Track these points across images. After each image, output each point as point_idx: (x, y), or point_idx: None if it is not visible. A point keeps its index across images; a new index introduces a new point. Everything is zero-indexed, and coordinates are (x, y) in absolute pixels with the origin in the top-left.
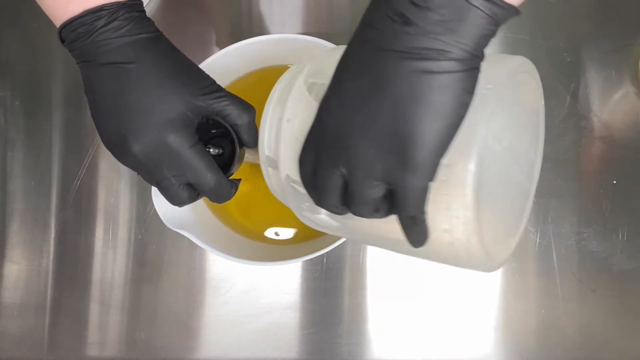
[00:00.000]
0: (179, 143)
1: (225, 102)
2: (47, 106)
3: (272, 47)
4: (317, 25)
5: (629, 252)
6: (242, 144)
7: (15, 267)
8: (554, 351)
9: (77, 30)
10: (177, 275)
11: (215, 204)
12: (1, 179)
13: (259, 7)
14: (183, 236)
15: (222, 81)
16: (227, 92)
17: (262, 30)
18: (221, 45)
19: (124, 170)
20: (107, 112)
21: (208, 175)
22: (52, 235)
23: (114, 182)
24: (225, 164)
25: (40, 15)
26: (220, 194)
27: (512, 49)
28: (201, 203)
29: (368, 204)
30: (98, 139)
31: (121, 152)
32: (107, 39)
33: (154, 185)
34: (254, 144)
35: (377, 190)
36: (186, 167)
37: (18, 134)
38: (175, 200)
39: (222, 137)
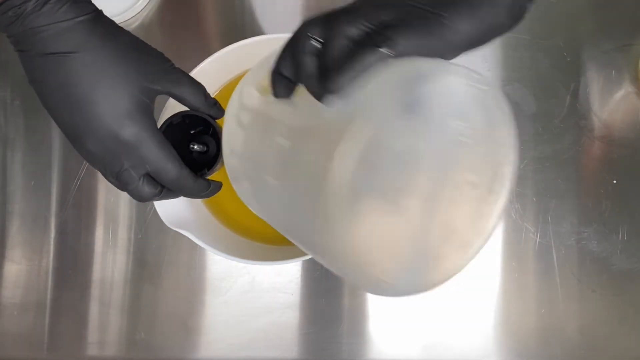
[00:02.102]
0: (137, 133)
1: (179, 83)
2: None
3: (271, 46)
4: None
5: (628, 252)
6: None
7: (15, 266)
8: (554, 351)
9: (7, 14)
10: (177, 275)
11: (215, 203)
12: (1, 179)
13: (259, 6)
14: (183, 236)
15: (221, 80)
16: (178, 68)
17: (262, 30)
18: (220, 46)
19: None
20: (57, 106)
21: (168, 165)
22: (52, 235)
23: None
24: (210, 161)
25: None
26: (185, 186)
27: (512, 49)
28: (201, 202)
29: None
30: None
31: (77, 147)
32: (41, 25)
33: (111, 180)
34: (221, 114)
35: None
36: (145, 157)
37: (18, 134)
38: (136, 194)
39: (203, 134)
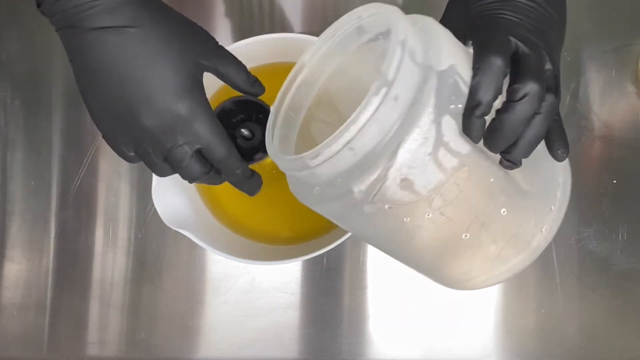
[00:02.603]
0: (192, 108)
1: (224, 60)
2: (47, 106)
3: (270, 46)
4: (320, 24)
5: (628, 252)
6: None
7: (15, 266)
8: (554, 351)
9: None
10: (177, 275)
11: (215, 203)
12: (1, 179)
13: (261, 6)
14: (183, 236)
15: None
16: (222, 46)
17: (264, 29)
18: (226, 43)
19: (124, 170)
20: (106, 84)
21: (220, 141)
22: (52, 235)
23: (114, 181)
24: (254, 148)
25: (41, 15)
26: (232, 167)
27: None
28: (201, 202)
29: None
30: (98, 138)
31: (128, 126)
32: None
33: (156, 162)
34: (261, 91)
35: None
36: (198, 133)
37: (18, 134)
38: (188, 172)
39: (247, 121)
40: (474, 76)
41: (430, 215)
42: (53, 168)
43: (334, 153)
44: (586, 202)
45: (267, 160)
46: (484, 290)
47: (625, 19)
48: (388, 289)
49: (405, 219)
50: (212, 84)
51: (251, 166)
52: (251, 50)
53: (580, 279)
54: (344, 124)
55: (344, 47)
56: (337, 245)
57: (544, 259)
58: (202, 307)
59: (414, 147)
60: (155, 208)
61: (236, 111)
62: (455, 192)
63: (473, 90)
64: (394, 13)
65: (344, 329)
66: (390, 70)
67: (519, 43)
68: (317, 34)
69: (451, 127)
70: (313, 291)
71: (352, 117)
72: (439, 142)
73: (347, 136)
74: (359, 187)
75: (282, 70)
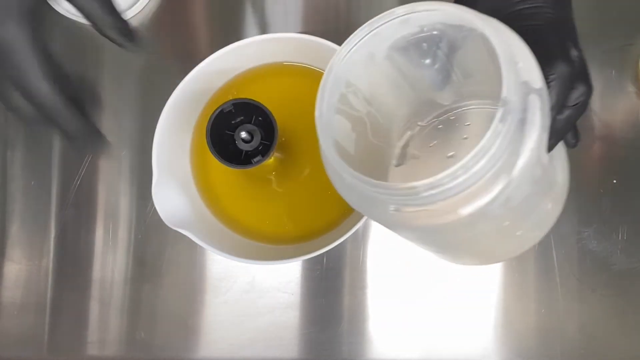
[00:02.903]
0: (17, 33)
1: None
2: None
3: (270, 45)
4: (314, 24)
5: (628, 252)
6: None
7: (15, 266)
8: (554, 351)
9: None
10: (177, 275)
11: (214, 202)
12: (1, 179)
13: (258, 6)
14: (183, 235)
15: (221, 79)
16: None
17: (261, 29)
18: (220, 45)
19: (124, 169)
20: None
21: (40, 73)
22: (52, 234)
23: (114, 181)
24: (253, 150)
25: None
26: (49, 108)
27: None
28: (201, 202)
29: None
30: None
31: None
32: None
33: None
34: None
35: None
36: (22, 63)
37: (18, 134)
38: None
39: (247, 123)
40: (550, 86)
41: (508, 223)
42: (53, 168)
43: (455, 184)
44: (586, 202)
45: (267, 161)
46: (484, 291)
47: (625, 19)
48: (388, 289)
49: (484, 228)
50: (210, 85)
51: (251, 168)
52: (252, 50)
53: (580, 279)
54: (471, 155)
55: (377, 37)
56: (337, 245)
57: (544, 259)
58: (202, 307)
59: (522, 168)
60: (155, 208)
61: (235, 113)
62: (534, 199)
63: (552, 101)
64: (482, 20)
65: (344, 329)
66: (510, 95)
67: (573, 46)
68: (317, 34)
69: (544, 141)
70: (313, 291)
71: (479, 147)
72: (538, 158)
73: (476, 167)
74: (467, 211)
75: (283, 69)
